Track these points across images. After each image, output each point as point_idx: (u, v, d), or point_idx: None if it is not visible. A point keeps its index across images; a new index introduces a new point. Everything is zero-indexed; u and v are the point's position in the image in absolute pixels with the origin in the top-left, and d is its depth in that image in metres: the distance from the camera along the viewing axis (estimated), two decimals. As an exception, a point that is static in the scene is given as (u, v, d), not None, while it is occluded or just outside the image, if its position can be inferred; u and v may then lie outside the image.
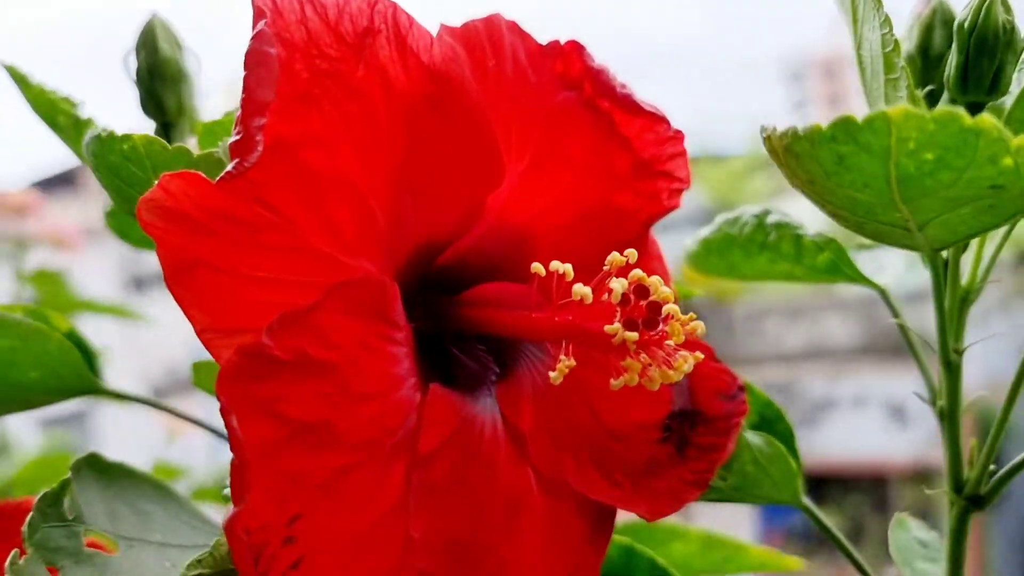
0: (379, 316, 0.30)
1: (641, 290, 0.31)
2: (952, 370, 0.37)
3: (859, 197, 0.27)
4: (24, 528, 0.31)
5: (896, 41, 0.31)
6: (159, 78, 0.42)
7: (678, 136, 0.39)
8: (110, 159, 0.33)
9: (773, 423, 0.42)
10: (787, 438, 0.41)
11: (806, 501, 0.40)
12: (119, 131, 0.32)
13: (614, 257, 0.32)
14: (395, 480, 0.30)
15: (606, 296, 0.31)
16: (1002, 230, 0.38)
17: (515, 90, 0.35)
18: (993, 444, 0.37)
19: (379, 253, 0.31)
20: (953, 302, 0.37)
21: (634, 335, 0.30)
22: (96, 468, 0.37)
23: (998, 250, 0.38)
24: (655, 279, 0.31)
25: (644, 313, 0.30)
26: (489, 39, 0.35)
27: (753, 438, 0.38)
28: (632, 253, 0.32)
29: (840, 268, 0.42)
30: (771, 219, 0.43)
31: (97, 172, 0.34)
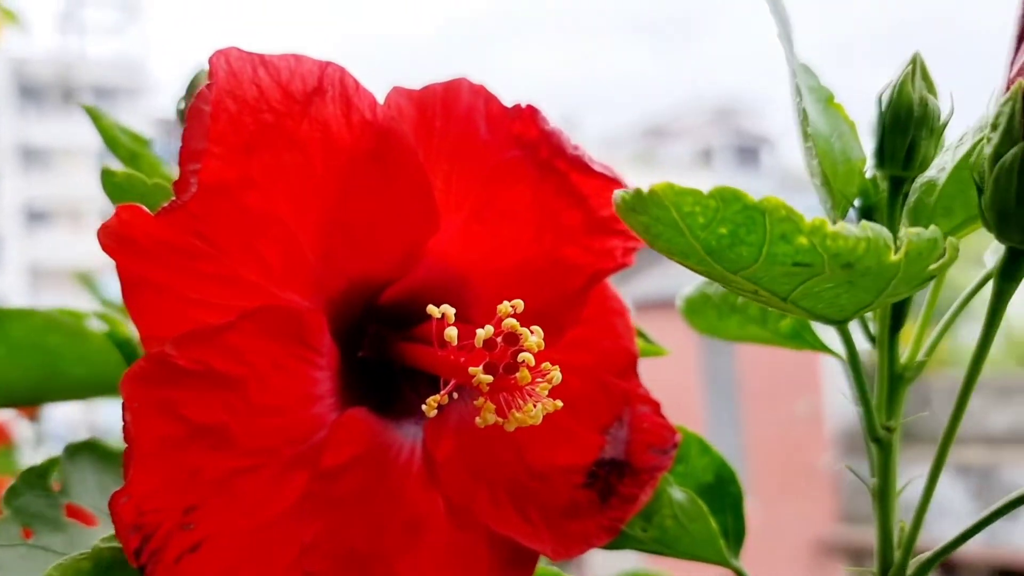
0: (297, 340, 0.34)
1: (511, 338, 0.33)
2: (884, 447, 0.37)
3: (697, 268, 0.28)
4: (4, 493, 0.37)
5: (805, 113, 0.32)
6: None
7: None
8: (107, 188, 0.39)
9: (726, 484, 0.42)
10: (736, 500, 0.41)
11: (736, 563, 0.40)
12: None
13: (503, 307, 0.34)
14: (294, 486, 0.34)
15: (498, 339, 0.34)
16: (954, 308, 0.38)
17: (461, 147, 0.38)
18: (916, 526, 0.36)
19: (307, 286, 0.35)
20: (883, 379, 0.36)
21: (488, 378, 0.32)
22: (96, 452, 0.43)
23: (944, 329, 0.37)
24: (530, 330, 0.33)
25: (507, 359, 0.33)
26: (443, 101, 0.38)
27: (676, 494, 0.39)
28: (518, 303, 0.34)
29: (802, 335, 0.42)
30: (741, 283, 0.44)
31: (107, 196, 0.40)
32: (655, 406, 0.41)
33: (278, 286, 0.35)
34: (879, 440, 0.36)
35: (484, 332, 0.33)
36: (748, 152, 21.32)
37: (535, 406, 0.33)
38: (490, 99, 0.40)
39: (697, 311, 0.46)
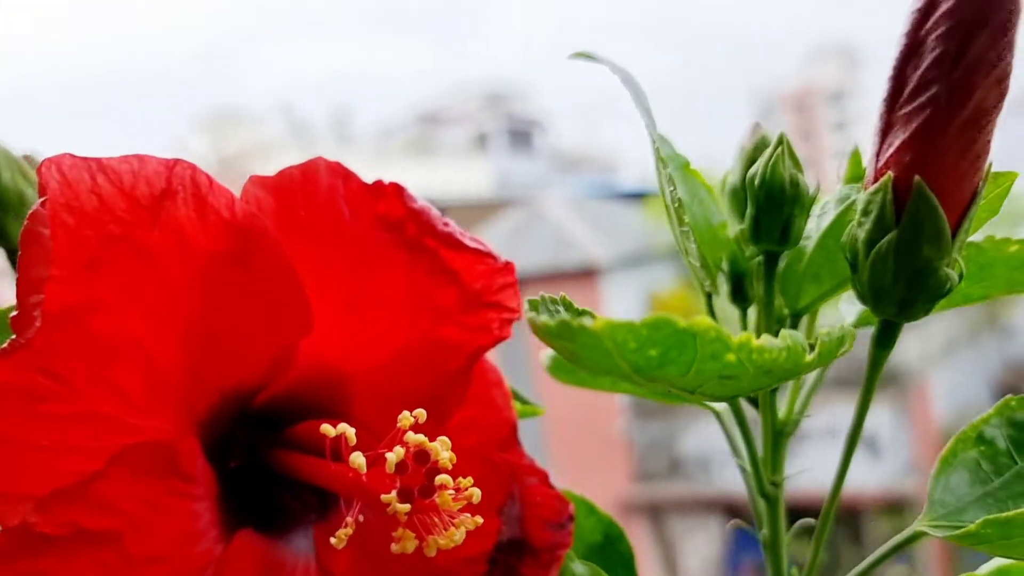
0: (172, 474, 0.31)
1: (421, 456, 0.31)
2: (771, 501, 0.38)
3: (613, 377, 0.28)
4: None
5: (681, 202, 0.32)
6: (1, 207, 0.43)
7: (508, 268, 0.40)
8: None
9: (615, 543, 0.42)
10: (627, 560, 0.42)
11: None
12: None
13: (404, 418, 0.32)
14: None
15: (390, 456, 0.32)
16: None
17: (328, 235, 0.36)
18: (813, 563, 0.38)
19: (173, 409, 0.32)
20: (768, 435, 0.37)
21: (406, 507, 0.31)
22: None
23: (815, 386, 0.39)
24: (438, 443, 0.31)
25: (421, 480, 0.31)
26: (303, 186, 0.36)
27: (578, 568, 0.39)
28: (421, 413, 0.33)
29: (685, 397, 0.42)
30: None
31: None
32: (543, 476, 0.40)
33: (141, 416, 0.31)
34: (767, 495, 0.37)
35: (395, 456, 0.31)
36: (521, 135, 21.86)
37: (457, 529, 0.31)
38: (348, 177, 0.37)
39: (566, 369, 0.46)
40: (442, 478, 0.31)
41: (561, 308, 0.30)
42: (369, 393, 0.37)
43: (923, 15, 0.27)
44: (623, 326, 0.24)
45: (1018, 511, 0.30)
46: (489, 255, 0.40)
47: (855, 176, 0.37)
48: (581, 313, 0.30)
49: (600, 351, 0.25)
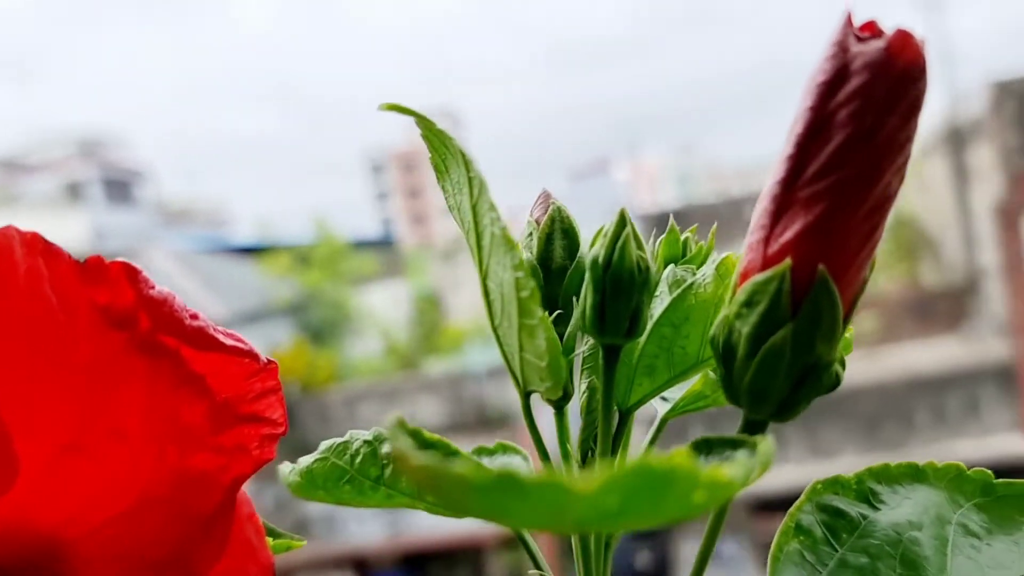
0: None
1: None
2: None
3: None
4: None
5: (534, 288, 0.26)
6: None
7: (269, 369, 0.31)
8: None
9: None
10: None
11: None
12: None
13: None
14: None
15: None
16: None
17: (34, 341, 0.25)
18: None
19: None
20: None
21: None
22: None
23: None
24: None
25: None
26: (-10, 271, 0.24)
27: None
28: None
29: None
30: (385, 448, 0.36)
31: None
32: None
33: None
34: None
35: None
36: (119, 185, 20.21)
37: None
38: (53, 255, 0.26)
39: (324, 486, 0.37)
40: None
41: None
42: (97, 560, 0.26)
43: (830, 89, 0.24)
44: (610, 484, 0.17)
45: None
46: (245, 353, 0.31)
47: (671, 256, 0.34)
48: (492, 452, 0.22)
49: (551, 508, 0.18)
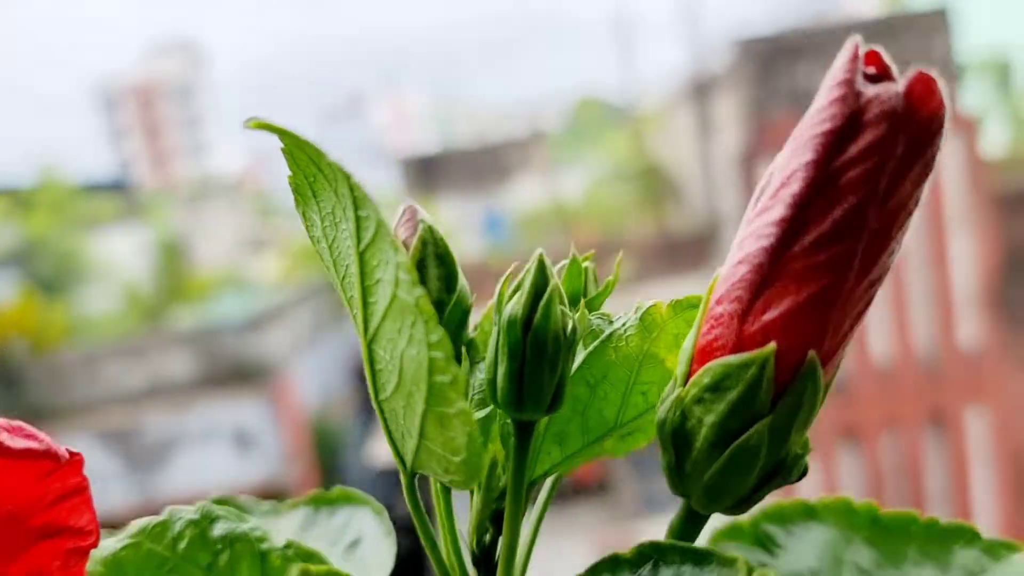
0: None
1: None
2: None
3: None
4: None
5: (458, 375, 0.20)
6: None
7: (72, 463, 0.24)
8: None
9: None
10: None
11: None
12: None
13: None
14: None
15: None
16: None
17: None
18: None
19: None
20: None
21: None
22: None
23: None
24: None
25: None
26: None
27: None
28: None
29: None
30: (218, 530, 0.29)
31: None
32: None
33: None
34: None
35: None
36: None
37: None
38: None
39: (138, 573, 0.30)
40: None
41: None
42: None
43: (838, 140, 0.19)
44: None
45: None
46: (39, 454, 0.23)
47: (573, 292, 0.29)
48: None
49: None
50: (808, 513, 0.35)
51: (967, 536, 0.35)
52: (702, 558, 0.21)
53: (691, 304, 0.25)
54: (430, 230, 0.30)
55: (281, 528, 0.37)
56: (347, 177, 0.22)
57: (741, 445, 0.21)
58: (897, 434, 3.55)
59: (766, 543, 0.33)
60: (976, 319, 3.55)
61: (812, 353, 0.20)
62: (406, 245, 0.30)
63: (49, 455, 0.23)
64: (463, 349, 0.28)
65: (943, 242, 3.63)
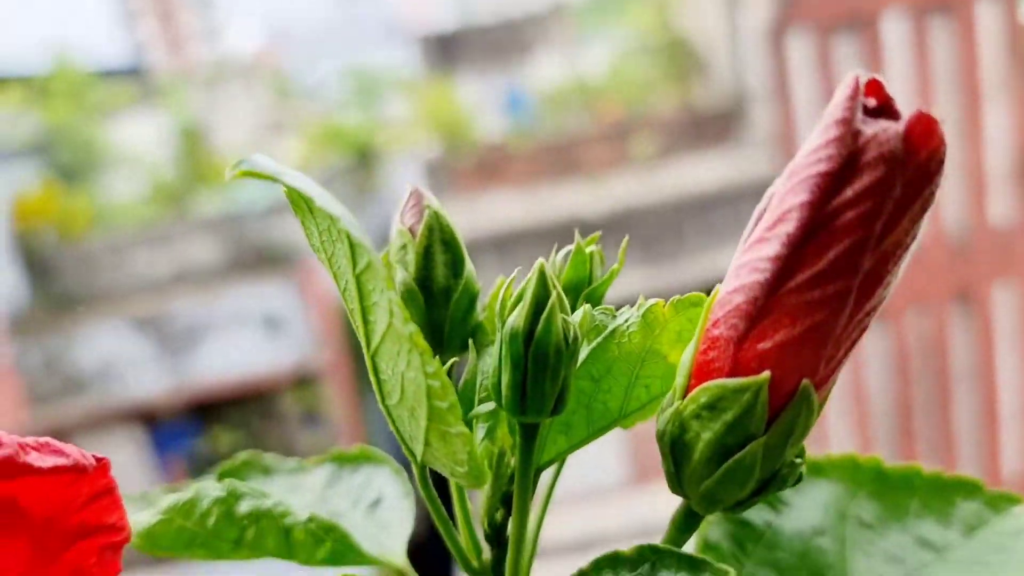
0: None
1: None
2: None
3: None
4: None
5: (454, 402, 0.21)
6: None
7: (100, 469, 0.25)
8: None
9: None
10: None
11: None
12: None
13: None
14: None
15: None
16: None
17: None
18: None
19: None
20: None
21: None
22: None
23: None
24: None
25: None
26: None
27: None
28: None
29: (347, 555, 0.32)
30: (243, 507, 0.31)
31: None
32: None
33: None
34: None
35: None
36: None
37: None
38: None
39: (171, 547, 0.31)
40: None
41: None
42: None
43: (835, 182, 0.19)
44: None
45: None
46: (70, 468, 0.24)
47: (578, 280, 0.29)
48: None
49: None
50: (815, 470, 0.36)
51: (969, 489, 0.36)
52: (697, 566, 0.22)
53: (693, 303, 0.26)
54: (436, 216, 0.30)
55: (307, 485, 0.39)
56: (347, 235, 0.22)
57: (735, 462, 0.22)
58: (923, 311, 3.55)
59: (773, 501, 0.35)
60: (1008, 195, 3.49)
61: (806, 381, 0.21)
62: (412, 232, 0.30)
63: (77, 468, 0.24)
64: (470, 340, 0.29)
65: (977, 114, 3.53)
